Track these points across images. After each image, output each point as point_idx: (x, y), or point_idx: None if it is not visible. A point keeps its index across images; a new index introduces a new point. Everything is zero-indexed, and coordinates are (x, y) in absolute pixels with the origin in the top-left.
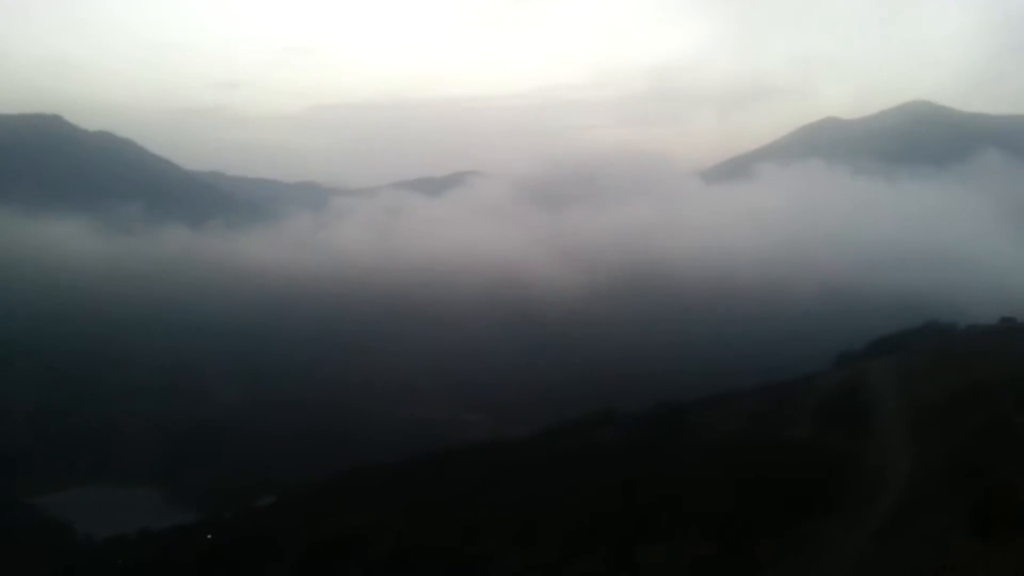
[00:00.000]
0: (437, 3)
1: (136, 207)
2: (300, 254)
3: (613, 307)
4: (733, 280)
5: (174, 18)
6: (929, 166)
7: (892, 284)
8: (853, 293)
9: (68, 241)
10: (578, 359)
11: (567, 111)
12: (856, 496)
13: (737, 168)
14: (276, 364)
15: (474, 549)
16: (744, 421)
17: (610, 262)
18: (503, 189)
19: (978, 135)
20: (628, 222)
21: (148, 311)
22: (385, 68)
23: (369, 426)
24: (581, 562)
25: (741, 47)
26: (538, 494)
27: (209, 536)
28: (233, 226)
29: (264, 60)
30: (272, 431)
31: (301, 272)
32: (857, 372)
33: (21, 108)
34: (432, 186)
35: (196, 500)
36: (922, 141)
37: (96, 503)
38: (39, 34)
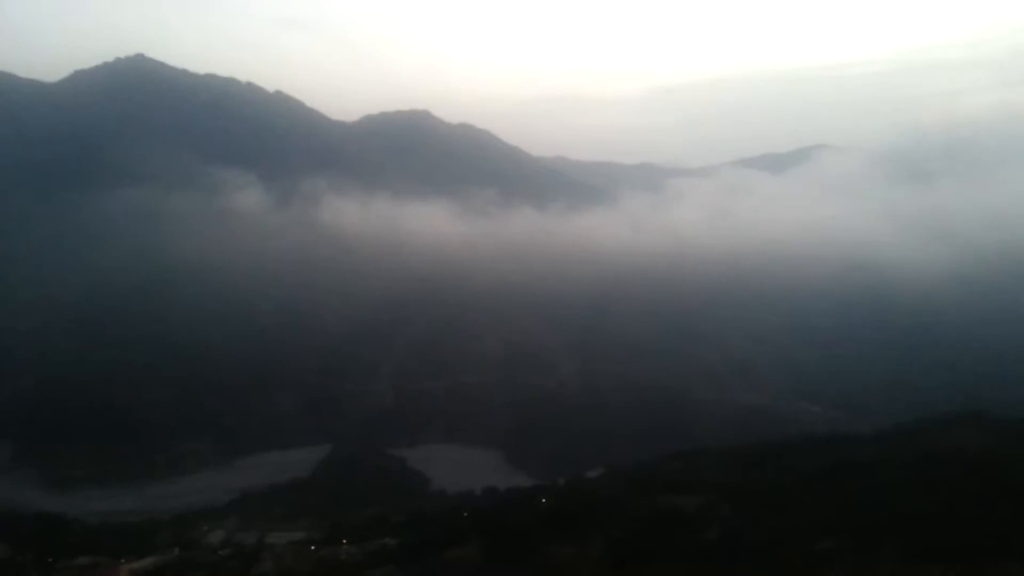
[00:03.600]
0: None
1: (491, 192)
2: (636, 235)
3: (984, 296)
4: None
5: (524, 15)
6: None
7: None
8: None
9: (432, 223)
10: (937, 353)
11: (932, 75)
12: None
13: None
14: (611, 341)
15: (805, 545)
16: None
17: (982, 244)
18: (856, 164)
19: None
20: (1006, 199)
21: (500, 286)
22: (718, 44)
23: (701, 409)
24: (926, 573)
25: None
26: (881, 496)
27: (544, 500)
28: (574, 208)
29: (606, 45)
30: (605, 407)
31: (637, 252)
32: None
33: (397, 106)
34: (776, 162)
35: (534, 465)
36: None
37: (449, 460)
38: (413, 38)
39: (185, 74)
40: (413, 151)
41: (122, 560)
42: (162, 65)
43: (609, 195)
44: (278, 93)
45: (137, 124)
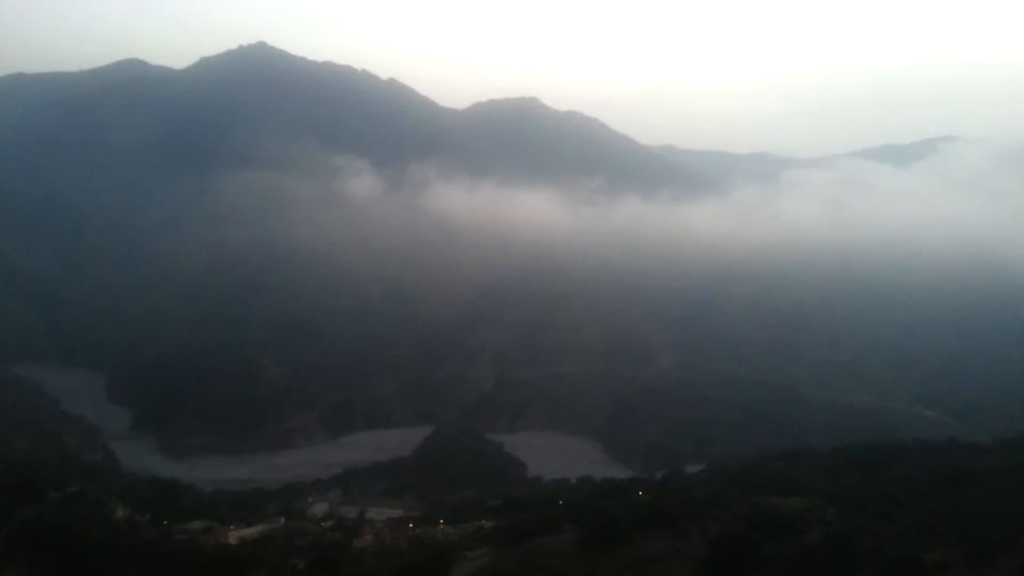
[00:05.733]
0: None
1: (598, 180)
2: (746, 226)
3: None
4: None
5: (636, 3)
6: None
7: None
8: None
9: (537, 211)
10: None
11: None
12: None
13: None
14: (715, 335)
15: (913, 554)
16: None
17: None
18: (986, 157)
19: None
20: None
21: (603, 275)
22: (839, 33)
23: (808, 408)
24: None
25: None
26: (999, 508)
27: (640, 493)
28: (682, 198)
29: (722, 34)
30: (707, 402)
31: (746, 245)
32: None
33: (507, 93)
34: (899, 154)
35: (631, 457)
36: None
37: (545, 447)
38: (524, 26)
39: (303, 62)
40: (521, 139)
41: (232, 526)
42: (282, 53)
43: (719, 185)
44: (391, 81)
45: (257, 110)
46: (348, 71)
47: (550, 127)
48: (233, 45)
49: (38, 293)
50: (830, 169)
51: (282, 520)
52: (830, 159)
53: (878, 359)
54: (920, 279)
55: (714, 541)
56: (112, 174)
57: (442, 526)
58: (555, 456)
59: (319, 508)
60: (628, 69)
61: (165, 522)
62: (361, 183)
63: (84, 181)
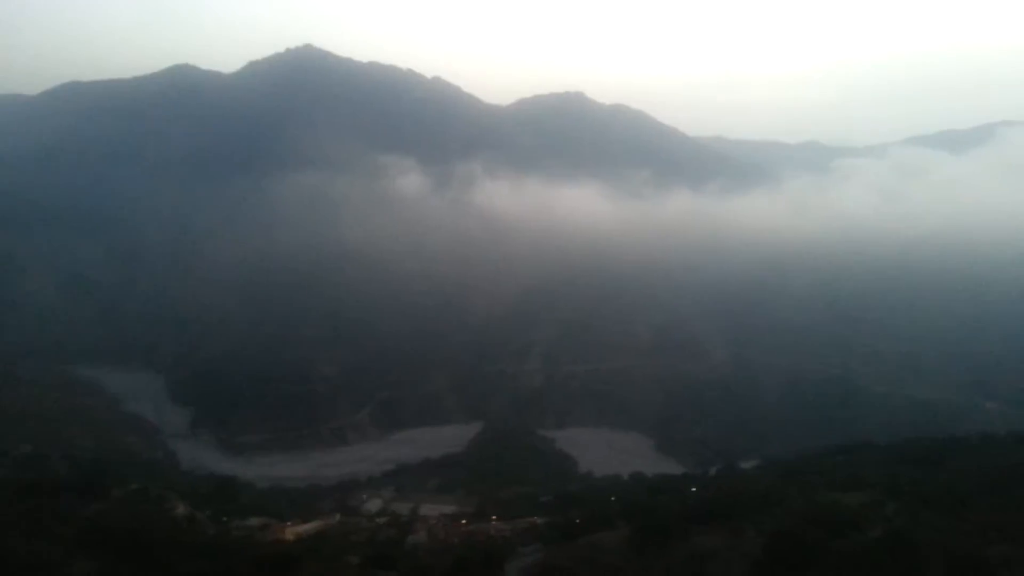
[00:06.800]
0: None
1: (645, 173)
2: (799, 217)
3: None
4: None
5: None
6: None
7: None
8: None
9: (585, 206)
10: None
11: None
12: None
13: None
14: (769, 329)
15: (976, 550)
16: None
17: None
18: None
19: None
20: None
21: (652, 269)
22: (889, 18)
23: (866, 402)
24: None
25: None
26: None
27: (693, 489)
28: (732, 189)
29: (769, 21)
30: (761, 396)
31: (799, 236)
32: None
33: (551, 88)
34: (955, 140)
35: (683, 453)
36: None
37: (597, 443)
38: (567, 21)
39: (349, 63)
40: (566, 133)
41: (288, 523)
42: (328, 55)
43: (770, 175)
44: (436, 79)
45: (305, 112)
46: (393, 71)
47: (596, 121)
48: (280, 48)
49: (98, 296)
50: (884, 157)
51: (337, 516)
52: (884, 147)
53: (937, 351)
54: (979, 268)
55: (770, 537)
56: (166, 179)
57: (495, 522)
58: (606, 452)
59: (373, 504)
60: (674, 60)
61: (224, 518)
62: (408, 182)
63: (139, 186)
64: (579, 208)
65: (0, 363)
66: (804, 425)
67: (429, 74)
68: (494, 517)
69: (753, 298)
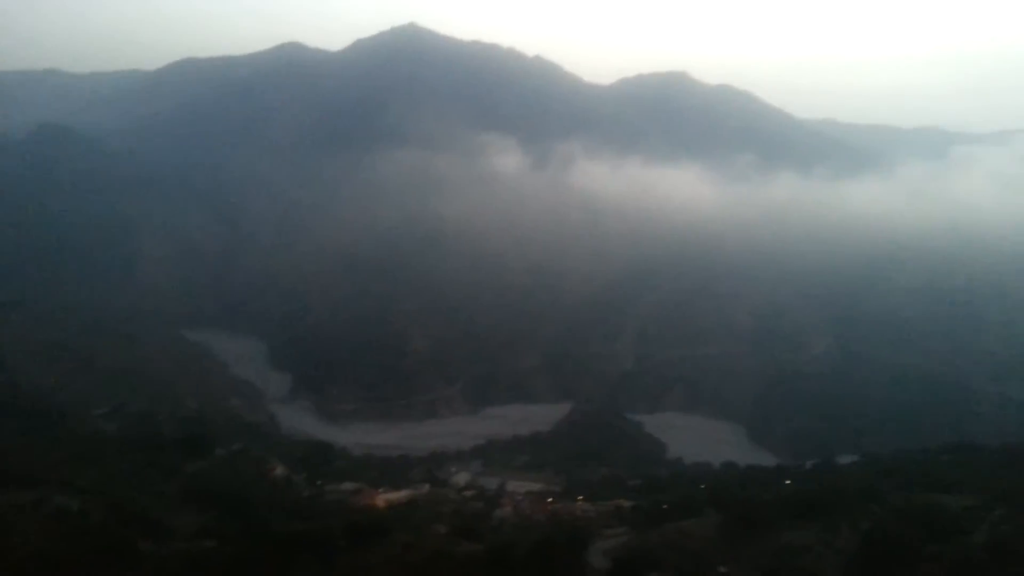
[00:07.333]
0: None
1: (750, 155)
2: (913, 205)
3: None
4: None
5: None
6: None
7: None
8: None
9: (685, 188)
10: None
11: None
12: None
13: None
14: (875, 321)
15: None
16: None
17: None
18: None
19: None
20: None
21: (754, 255)
22: None
23: (976, 401)
24: None
25: None
26: None
27: (787, 482)
28: (842, 174)
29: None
30: (863, 390)
31: (912, 225)
32: None
33: (654, 68)
34: None
35: (778, 444)
36: None
37: (688, 430)
38: (671, 1)
39: (452, 42)
40: (669, 114)
41: (379, 489)
42: (432, 33)
43: (883, 161)
44: (537, 58)
45: (408, 90)
46: (495, 49)
47: (699, 101)
48: (385, 27)
49: (208, 265)
50: (1006, 145)
51: (426, 487)
52: (1006, 134)
53: None
54: None
55: (866, 536)
56: (273, 152)
57: (580, 502)
58: (697, 439)
59: (461, 477)
60: (783, 40)
61: (319, 482)
62: (507, 161)
63: (248, 160)
64: (680, 191)
65: (117, 324)
66: (907, 423)
67: (530, 52)
68: (580, 497)
69: (860, 288)
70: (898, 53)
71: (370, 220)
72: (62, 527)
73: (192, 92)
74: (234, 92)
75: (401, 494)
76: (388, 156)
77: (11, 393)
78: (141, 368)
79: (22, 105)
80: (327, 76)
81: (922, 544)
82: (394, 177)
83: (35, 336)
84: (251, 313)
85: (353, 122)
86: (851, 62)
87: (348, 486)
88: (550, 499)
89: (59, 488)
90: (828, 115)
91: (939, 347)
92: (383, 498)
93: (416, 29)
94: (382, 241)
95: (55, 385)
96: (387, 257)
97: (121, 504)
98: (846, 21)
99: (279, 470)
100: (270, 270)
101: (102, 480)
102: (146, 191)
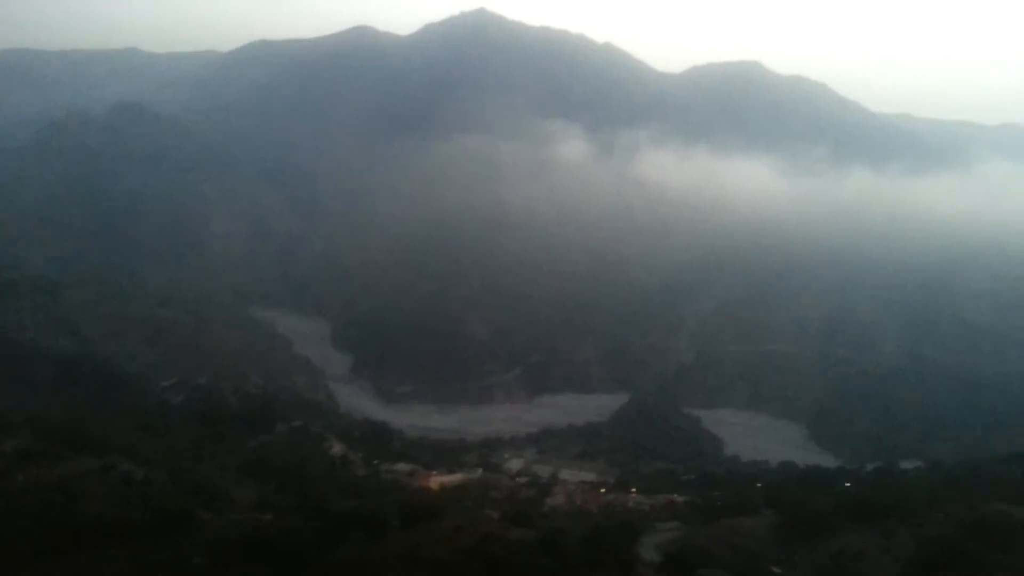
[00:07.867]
0: None
1: (822, 149)
2: (991, 204)
3: None
4: None
5: None
6: None
7: None
8: None
9: (754, 180)
10: None
11: None
12: None
13: None
14: (948, 324)
15: None
16: None
17: None
18: None
19: None
20: None
21: (823, 252)
22: None
23: None
24: None
25: None
26: None
27: (847, 484)
28: (917, 170)
29: None
30: (930, 394)
31: (991, 225)
32: None
33: (726, 57)
34: None
35: (839, 446)
36: None
37: (746, 427)
38: None
39: (521, 27)
40: (739, 104)
41: (434, 472)
42: (501, 18)
43: (961, 158)
44: (607, 45)
45: (476, 75)
46: (564, 35)
47: (771, 92)
48: (455, 11)
49: (276, 245)
50: None
51: (479, 471)
52: None
53: None
54: None
55: (927, 543)
56: (341, 137)
57: (634, 495)
58: (755, 437)
59: (514, 464)
60: (860, 32)
61: (375, 461)
62: (572, 148)
63: (317, 143)
64: (748, 183)
65: (186, 300)
66: (974, 429)
67: (600, 39)
68: (633, 489)
69: (932, 290)
70: (980, 51)
71: (434, 204)
72: (126, 494)
73: (265, 74)
74: (305, 75)
75: (455, 477)
76: (453, 142)
77: (83, 364)
78: (208, 343)
79: (102, 83)
80: (396, 60)
81: (984, 554)
82: (458, 162)
83: (107, 309)
84: (316, 293)
85: (421, 107)
86: (931, 58)
87: (403, 467)
88: (603, 490)
89: (125, 456)
90: (904, 110)
91: (1013, 354)
92: (437, 480)
93: (485, 14)
94: (444, 225)
95: (125, 357)
96: (449, 242)
97: (183, 474)
98: (923, 15)
99: (337, 448)
100: (335, 252)
101: (166, 450)
102: (218, 170)
